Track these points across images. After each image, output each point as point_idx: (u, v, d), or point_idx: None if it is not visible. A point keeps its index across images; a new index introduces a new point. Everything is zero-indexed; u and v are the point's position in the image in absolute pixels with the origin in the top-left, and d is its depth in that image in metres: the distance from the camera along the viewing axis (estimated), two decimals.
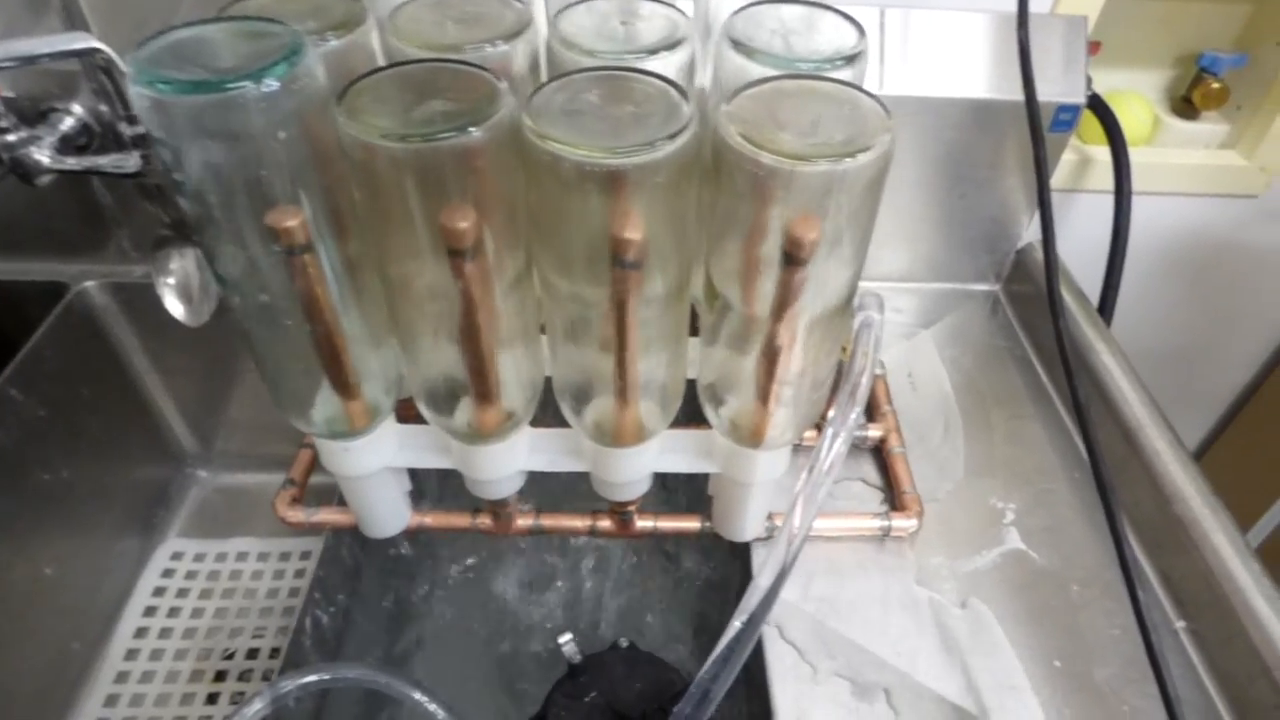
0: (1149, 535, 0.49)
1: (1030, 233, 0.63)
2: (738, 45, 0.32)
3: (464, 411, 0.38)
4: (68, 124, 0.58)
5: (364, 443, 0.38)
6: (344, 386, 0.36)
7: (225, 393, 0.70)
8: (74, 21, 0.54)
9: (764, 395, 0.35)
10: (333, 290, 0.33)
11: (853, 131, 0.28)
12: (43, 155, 0.55)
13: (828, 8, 0.34)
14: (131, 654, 0.61)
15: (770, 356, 0.34)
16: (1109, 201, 0.63)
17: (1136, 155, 0.63)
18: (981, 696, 0.42)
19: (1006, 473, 0.52)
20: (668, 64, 0.33)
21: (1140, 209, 0.64)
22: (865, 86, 0.30)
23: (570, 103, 0.29)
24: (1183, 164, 0.67)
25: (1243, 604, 0.42)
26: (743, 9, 0.34)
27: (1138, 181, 0.63)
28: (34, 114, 0.58)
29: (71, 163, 0.56)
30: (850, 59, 0.31)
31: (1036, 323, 0.62)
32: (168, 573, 0.66)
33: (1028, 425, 0.56)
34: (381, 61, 0.35)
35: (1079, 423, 0.44)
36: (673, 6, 0.35)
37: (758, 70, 0.31)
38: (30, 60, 0.49)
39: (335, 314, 0.34)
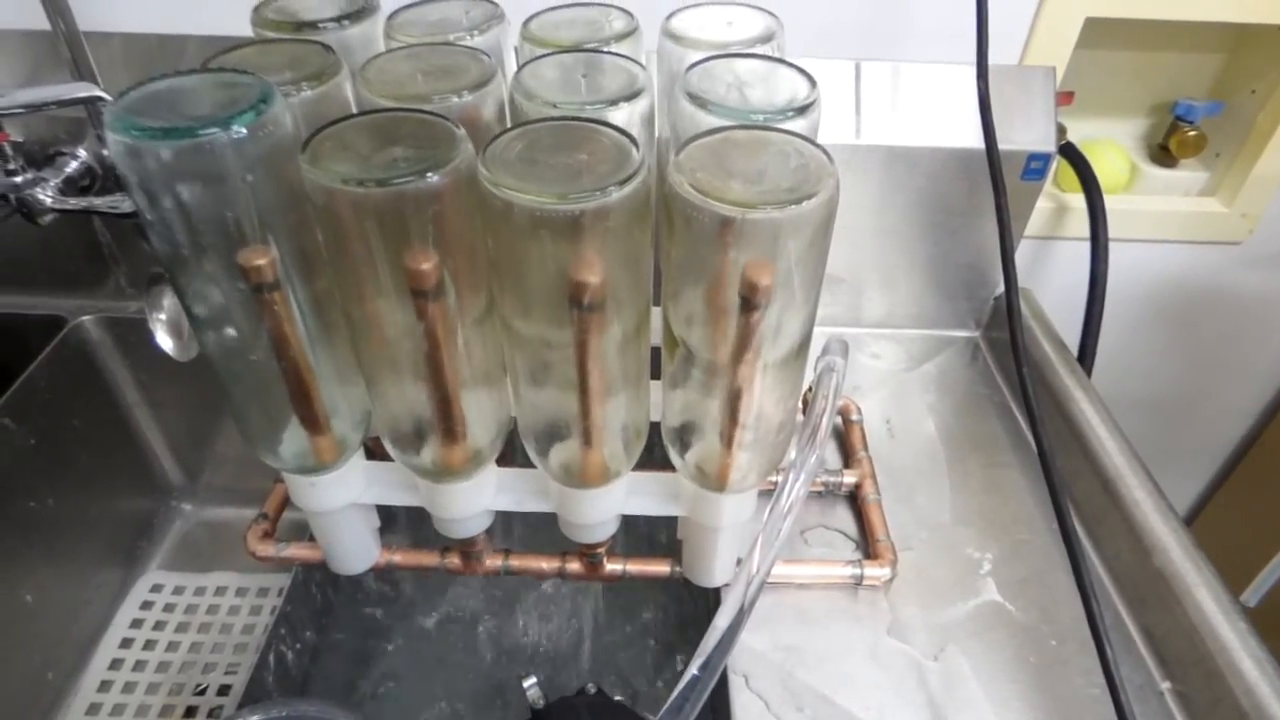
0: (1130, 590, 0.48)
1: None
2: (693, 97, 0.33)
3: (430, 450, 0.38)
4: (72, 167, 0.60)
5: (331, 478, 0.39)
6: (312, 422, 0.37)
7: (213, 427, 0.71)
8: (81, 73, 0.56)
9: (727, 438, 0.36)
10: (300, 328, 0.34)
11: (799, 179, 0.29)
12: (46, 195, 0.57)
13: (782, 62, 0.35)
14: (105, 685, 0.61)
15: (731, 400, 0.34)
16: (1088, 249, 0.63)
17: (1115, 203, 0.63)
18: None
19: (984, 522, 0.52)
20: (627, 115, 0.34)
21: (1121, 256, 0.65)
22: (836, 134, 0.31)
23: (526, 151, 0.30)
24: (1163, 211, 0.68)
25: (1229, 664, 0.41)
26: (700, 63, 0.35)
27: (1117, 229, 0.63)
28: (41, 157, 0.60)
29: (72, 203, 0.58)
30: (802, 110, 0.32)
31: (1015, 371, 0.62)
32: (146, 604, 0.66)
33: (1006, 474, 0.55)
34: (354, 110, 0.37)
35: (1043, 469, 0.43)
36: (633, 61, 0.36)
37: (712, 121, 0.32)
38: (38, 107, 0.51)
39: (303, 351, 0.34)
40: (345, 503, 0.40)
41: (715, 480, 0.38)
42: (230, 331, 0.34)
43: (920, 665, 0.44)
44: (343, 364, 0.37)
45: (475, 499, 0.40)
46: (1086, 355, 0.65)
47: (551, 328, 0.33)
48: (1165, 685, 0.44)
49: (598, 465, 0.37)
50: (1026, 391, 0.42)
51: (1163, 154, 0.69)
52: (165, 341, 0.60)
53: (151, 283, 0.61)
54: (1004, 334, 0.64)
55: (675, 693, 0.34)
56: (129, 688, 0.61)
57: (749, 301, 0.31)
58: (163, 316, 0.60)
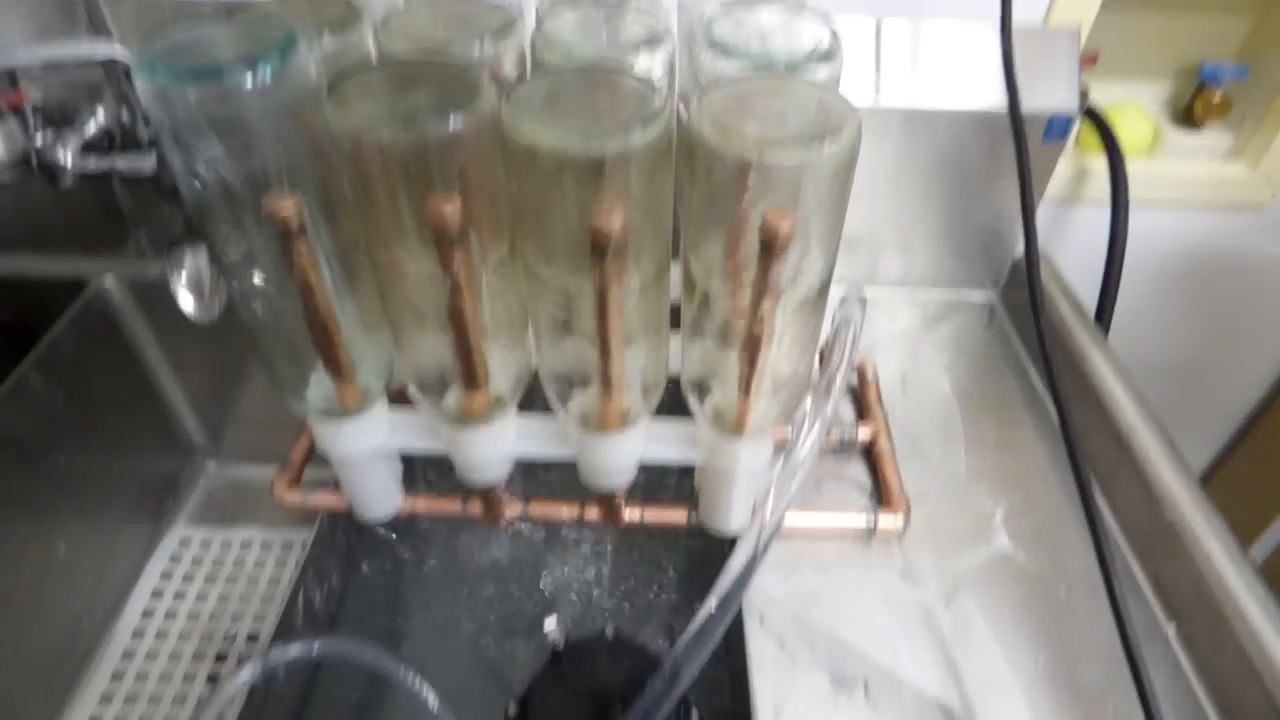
0: (1139, 541, 0.48)
1: None
2: (715, 45, 0.33)
3: (453, 395, 0.39)
4: (91, 128, 0.60)
5: (356, 424, 0.40)
6: (337, 369, 0.37)
7: (234, 388, 0.72)
8: (99, 33, 0.56)
9: (744, 384, 0.36)
10: (326, 275, 0.35)
11: (821, 123, 0.29)
12: (67, 157, 0.58)
13: (804, 10, 0.35)
14: (138, 633, 0.63)
15: (750, 346, 0.35)
16: (1109, 214, 0.63)
17: (1137, 167, 0.63)
18: (963, 692, 0.42)
19: (997, 476, 0.53)
20: (648, 62, 0.34)
21: (1141, 221, 0.65)
22: (855, 93, 0.32)
23: (549, 98, 0.30)
24: (1185, 176, 0.67)
25: (1234, 609, 0.42)
26: (723, 11, 0.35)
27: (1139, 193, 0.63)
28: (60, 119, 0.61)
29: (93, 164, 0.58)
30: (825, 56, 0.33)
31: (1033, 332, 0.62)
32: (175, 558, 0.68)
33: (1020, 432, 0.56)
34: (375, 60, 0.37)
35: (1059, 416, 0.44)
36: (655, 8, 0.36)
37: (734, 69, 0.33)
38: (56, 67, 0.52)
39: (328, 297, 0.35)
40: (370, 449, 0.41)
41: (733, 426, 0.39)
42: (257, 278, 0.35)
43: (931, 610, 0.45)
44: (367, 311, 0.38)
45: (496, 445, 0.41)
46: (1103, 319, 0.65)
47: (573, 275, 0.34)
48: (1170, 628, 0.45)
49: (616, 411, 0.38)
50: (1043, 342, 0.42)
51: (1187, 117, 0.68)
52: (186, 303, 0.61)
53: (172, 245, 0.61)
54: (1021, 296, 0.64)
55: (692, 626, 0.35)
56: (161, 635, 0.63)
57: (769, 248, 0.31)
58: (184, 278, 0.61)
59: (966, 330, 0.63)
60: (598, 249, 0.31)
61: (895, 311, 0.65)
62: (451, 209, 0.31)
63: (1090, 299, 0.63)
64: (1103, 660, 0.43)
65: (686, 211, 0.34)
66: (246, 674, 0.38)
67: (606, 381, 0.36)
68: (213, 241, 0.34)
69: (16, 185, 0.51)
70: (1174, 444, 0.50)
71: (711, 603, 0.35)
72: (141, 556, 0.67)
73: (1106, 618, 0.45)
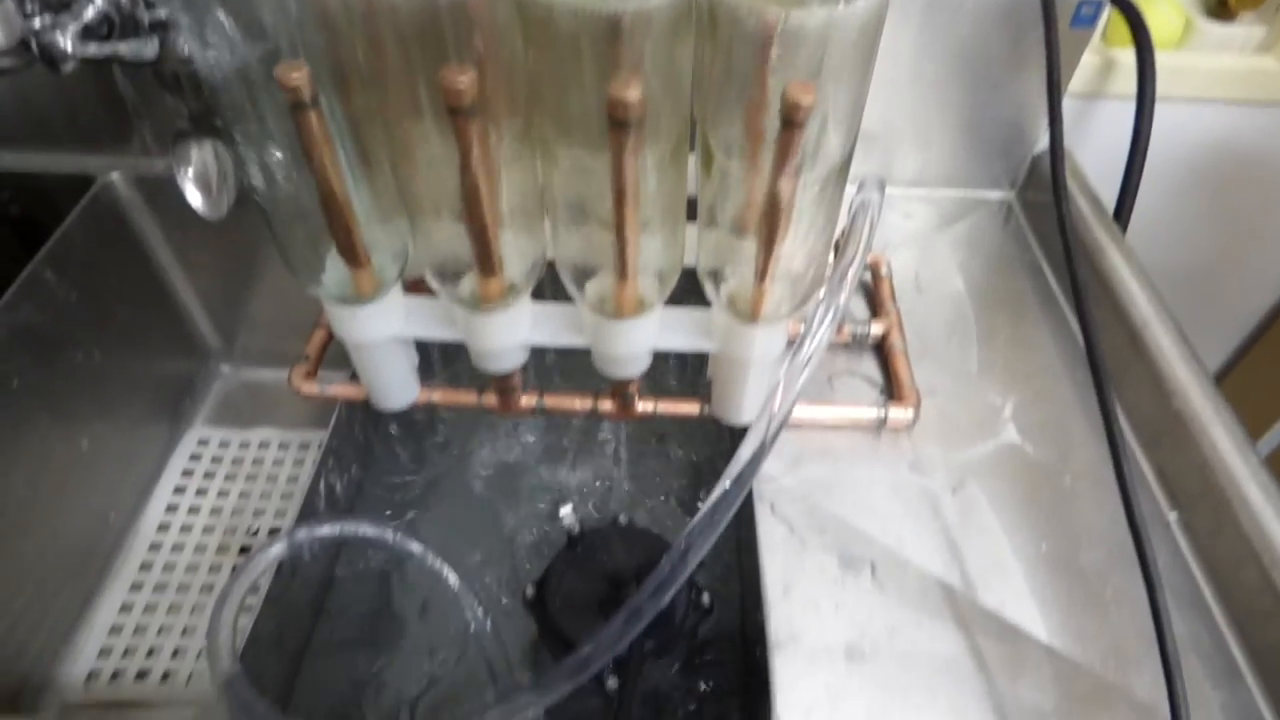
0: (1146, 432, 0.49)
1: (1047, 137, 0.61)
2: None
3: (468, 282, 0.39)
4: (90, 12, 0.58)
5: (372, 310, 0.40)
6: (351, 253, 0.37)
7: (246, 291, 0.72)
8: None
9: (761, 267, 0.36)
10: (340, 158, 0.34)
11: None
12: (67, 42, 0.56)
13: None
14: (163, 527, 0.65)
15: (767, 227, 0.34)
16: (1132, 109, 0.61)
17: (1165, 59, 0.61)
18: (967, 573, 0.43)
19: (1007, 372, 0.53)
20: None
21: (1166, 116, 0.63)
22: None
23: None
24: (1214, 68, 0.65)
25: (1236, 494, 0.42)
26: None
27: (1165, 86, 0.61)
28: (58, 2, 0.59)
29: (94, 50, 0.57)
30: None
31: (1049, 231, 0.61)
32: (194, 457, 0.69)
33: (1033, 329, 0.56)
34: None
35: (1075, 298, 0.44)
36: None
37: None
38: None
39: (341, 176, 0.34)
40: (386, 335, 0.41)
41: (747, 313, 0.39)
42: (270, 156, 0.35)
43: (938, 497, 0.46)
44: (382, 197, 0.37)
45: (511, 331, 0.41)
46: (1122, 216, 0.64)
47: (590, 153, 0.33)
48: (1172, 516, 0.46)
49: (632, 296, 0.38)
50: (1064, 226, 0.42)
51: (1220, 8, 0.65)
52: (194, 198, 0.61)
53: (177, 138, 0.60)
54: (1038, 195, 0.63)
55: (704, 508, 0.36)
56: (186, 529, 0.65)
57: (790, 120, 0.31)
58: (190, 173, 0.60)
59: (982, 229, 0.63)
60: (615, 121, 0.30)
61: (911, 210, 0.64)
62: (466, 80, 0.30)
63: (1109, 198, 0.62)
64: (1104, 546, 0.45)
65: (705, 87, 0.33)
66: (276, 550, 0.39)
67: (622, 264, 0.36)
68: (225, 117, 0.34)
69: (17, 71, 0.49)
70: (1186, 338, 0.50)
71: (723, 484, 0.36)
72: (162, 455, 0.69)
73: (1109, 506, 0.46)
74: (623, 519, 0.49)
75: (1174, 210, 0.74)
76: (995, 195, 0.65)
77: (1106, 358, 0.52)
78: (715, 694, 0.50)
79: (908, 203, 0.64)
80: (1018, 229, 0.63)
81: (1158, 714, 0.38)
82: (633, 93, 0.30)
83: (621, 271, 0.36)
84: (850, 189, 0.39)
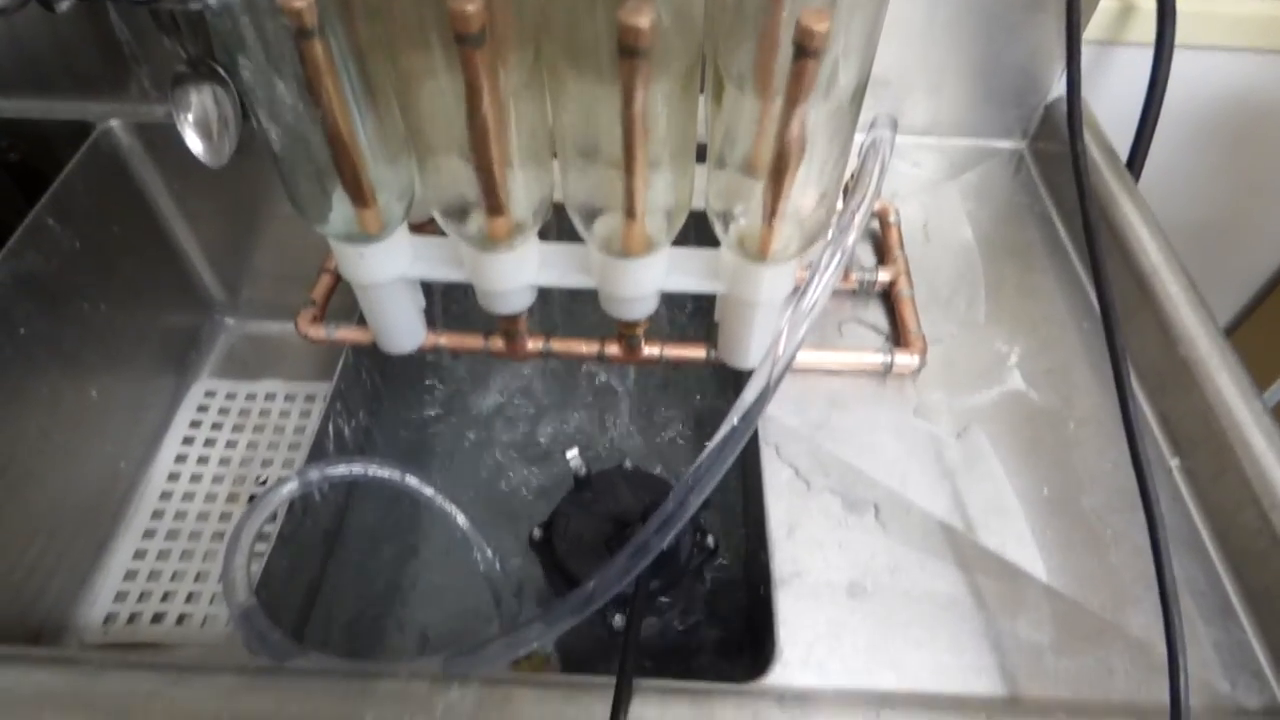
0: (1152, 379, 0.49)
1: (1061, 85, 0.61)
2: None
3: (475, 221, 0.39)
4: None
5: (379, 249, 0.40)
6: (357, 190, 0.37)
7: (249, 243, 0.72)
8: None
9: (771, 203, 0.36)
10: (345, 84, 0.34)
11: None
12: None
13: None
14: (173, 476, 0.66)
15: (778, 160, 0.34)
16: (1149, 56, 0.60)
17: (1186, 4, 0.59)
18: (968, 516, 0.44)
19: (1014, 321, 0.53)
20: None
21: (1183, 65, 0.62)
22: None
23: None
24: (1237, 13, 0.63)
25: (1239, 439, 0.43)
26: None
27: (1185, 33, 0.60)
28: None
29: None
30: None
31: (1060, 181, 0.61)
32: (202, 408, 0.70)
33: (1041, 278, 0.55)
34: None
35: (1086, 236, 0.43)
36: None
37: None
38: None
39: (346, 107, 0.34)
40: (393, 275, 0.41)
41: (756, 252, 0.38)
42: (274, 91, 0.34)
43: (942, 441, 0.46)
44: (387, 131, 0.37)
45: (519, 271, 0.41)
46: (1135, 166, 0.63)
47: (599, 85, 0.33)
48: (1174, 462, 0.46)
49: (640, 235, 0.38)
50: (1078, 166, 0.41)
51: None
52: (195, 144, 0.60)
53: (176, 83, 0.59)
54: (1050, 146, 0.63)
55: (708, 448, 0.37)
56: (195, 478, 0.66)
57: (804, 49, 0.30)
58: (190, 118, 0.60)
59: (992, 178, 0.62)
60: (626, 49, 0.30)
61: (920, 159, 0.63)
62: (474, 6, 0.30)
63: (1122, 149, 0.61)
64: (1105, 491, 0.45)
65: (717, 15, 0.33)
66: (289, 487, 0.40)
67: (630, 201, 0.36)
68: (229, 50, 0.33)
69: (12, 10, 0.48)
70: (1195, 286, 0.49)
71: (729, 422, 0.36)
72: (169, 406, 0.69)
73: (1112, 452, 0.46)
74: (628, 464, 0.49)
75: (1188, 163, 0.73)
76: (1006, 145, 0.65)
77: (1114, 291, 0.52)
78: (720, 632, 0.51)
79: (917, 151, 0.64)
80: (1028, 179, 0.62)
81: (1152, 651, 0.39)
82: (644, 19, 0.29)
83: (630, 209, 0.36)
84: (859, 137, 0.38)
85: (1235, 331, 0.87)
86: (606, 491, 0.48)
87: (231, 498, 0.65)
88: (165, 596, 0.60)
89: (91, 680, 0.34)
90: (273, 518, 0.45)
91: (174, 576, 0.61)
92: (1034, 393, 0.49)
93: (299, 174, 0.37)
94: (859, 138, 0.38)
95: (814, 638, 0.39)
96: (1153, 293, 0.49)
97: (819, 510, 0.44)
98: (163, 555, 0.62)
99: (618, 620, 0.44)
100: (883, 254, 0.55)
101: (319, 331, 0.48)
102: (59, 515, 0.57)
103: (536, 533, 0.48)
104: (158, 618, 0.59)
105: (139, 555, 0.62)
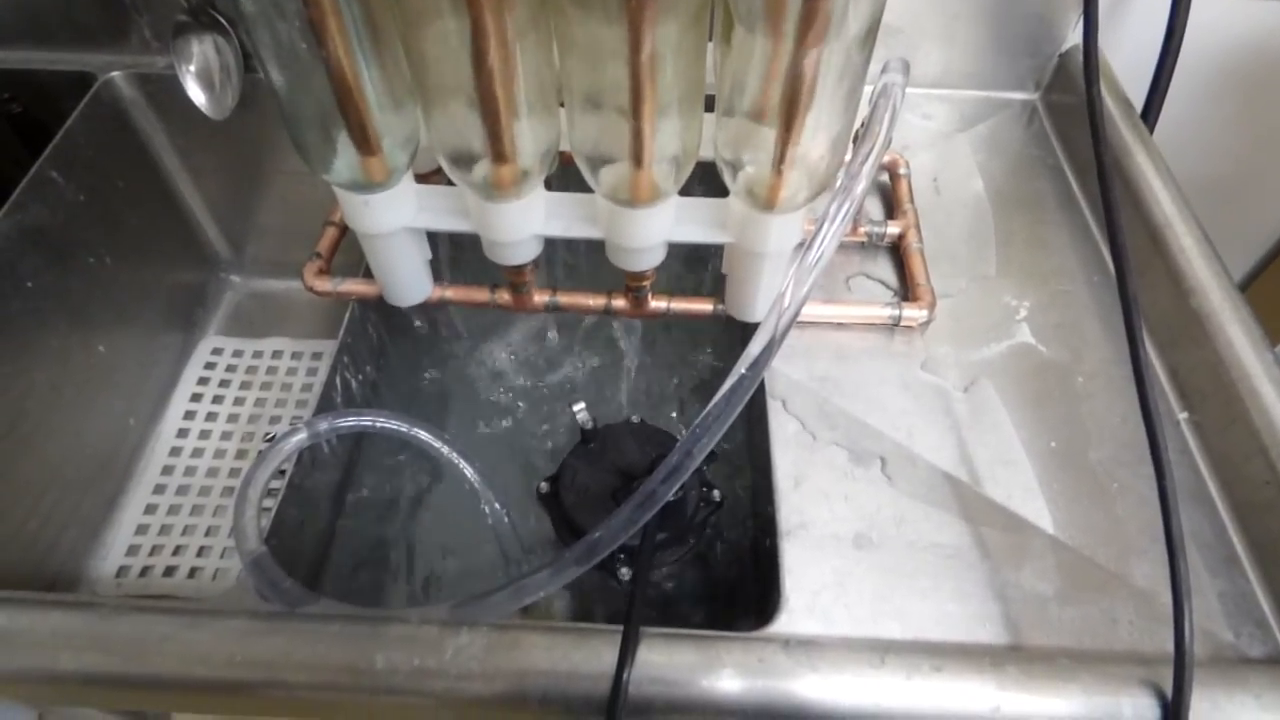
0: (1162, 332, 0.49)
1: (1076, 34, 0.59)
2: None
3: (481, 169, 0.38)
4: None
5: (384, 198, 0.39)
6: (362, 136, 0.36)
7: (254, 199, 0.72)
8: None
9: (781, 145, 0.35)
10: (349, 26, 0.33)
11: None
12: None
13: None
14: (182, 432, 0.66)
15: (789, 98, 0.33)
16: (1166, 5, 0.59)
17: None
18: (975, 468, 0.44)
19: (1024, 274, 0.52)
20: None
21: (1202, 11, 0.60)
22: None
23: None
24: None
25: (1249, 389, 0.42)
26: None
27: None
28: None
29: None
30: None
31: (1073, 134, 0.60)
32: (209, 365, 0.70)
33: (1052, 231, 0.55)
34: None
35: (1100, 180, 0.43)
36: None
37: None
38: None
39: (351, 51, 0.34)
40: (398, 225, 0.41)
41: (765, 199, 0.38)
42: (278, 35, 0.34)
43: (949, 395, 0.46)
44: (392, 77, 0.36)
45: (525, 221, 0.40)
46: (1150, 118, 0.62)
47: (606, 22, 0.32)
48: (1182, 416, 0.46)
49: (647, 182, 0.37)
50: (1094, 110, 0.40)
51: None
52: (197, 95, 0.59)
53: (177, 33, 0.59)
54: (1064, 97, 0.61)
55: (714, 400, 0.36)
56: (205, 434, 0.66)
57: None
58: (192, 68, 0.59)
59: (1004, 130, 0.61)
60: None
61: (931, 111, 0.62)
62: None
63: (1137, 101, 0.60)
64: (1113, 444, 0.45)
65: None
66: (298, 438, 0.40)
67: (638, 147, 0.35)
68: None
69: None
70: (1208, 239, 0.49)
71: (737, 373, 0.36)
72: (177, 363, 0.70)
73: (1120, 406, 0.46)
74: (635, 419, 0.49)
75: (1203, 115, 0.71)
76: (1019, 96, 0.63)
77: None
78: (726, 584, 0.51)
79: (928, 103, 0.62)
80: (1040, 131, 0.61)
81: (1155, 601, 0.39)
82: None
83: (637, 157, 0.36)
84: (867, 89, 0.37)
85: (1249, 287, 0.86)
86: (614, 444, 0.48)
87: (240, 454, 0.66)
88: (177, 550, 0.61)
89: (107, 622, 0.34)
90: (281, 473, 0.45)
91: (185, 531, 0.62)
92: (1043, 346, 0.49)
93: (303, 120, 0.37)
94: (869, 90, 0.37)
95: (819, 587, 0.39)
96: (1165, 245, 0.49)
97: (825, 463, 0.44)
98: (173, 510, 0.62)
99: (625, 573, 0.45)
100: (892, 207, 0.55)
101: (325, 284, 0.47)
102: (71, 469, 0.58)
103: (544, 486, 0.48)
104: (169, 571, 0.60)
105: (150, 510, 0.62)
